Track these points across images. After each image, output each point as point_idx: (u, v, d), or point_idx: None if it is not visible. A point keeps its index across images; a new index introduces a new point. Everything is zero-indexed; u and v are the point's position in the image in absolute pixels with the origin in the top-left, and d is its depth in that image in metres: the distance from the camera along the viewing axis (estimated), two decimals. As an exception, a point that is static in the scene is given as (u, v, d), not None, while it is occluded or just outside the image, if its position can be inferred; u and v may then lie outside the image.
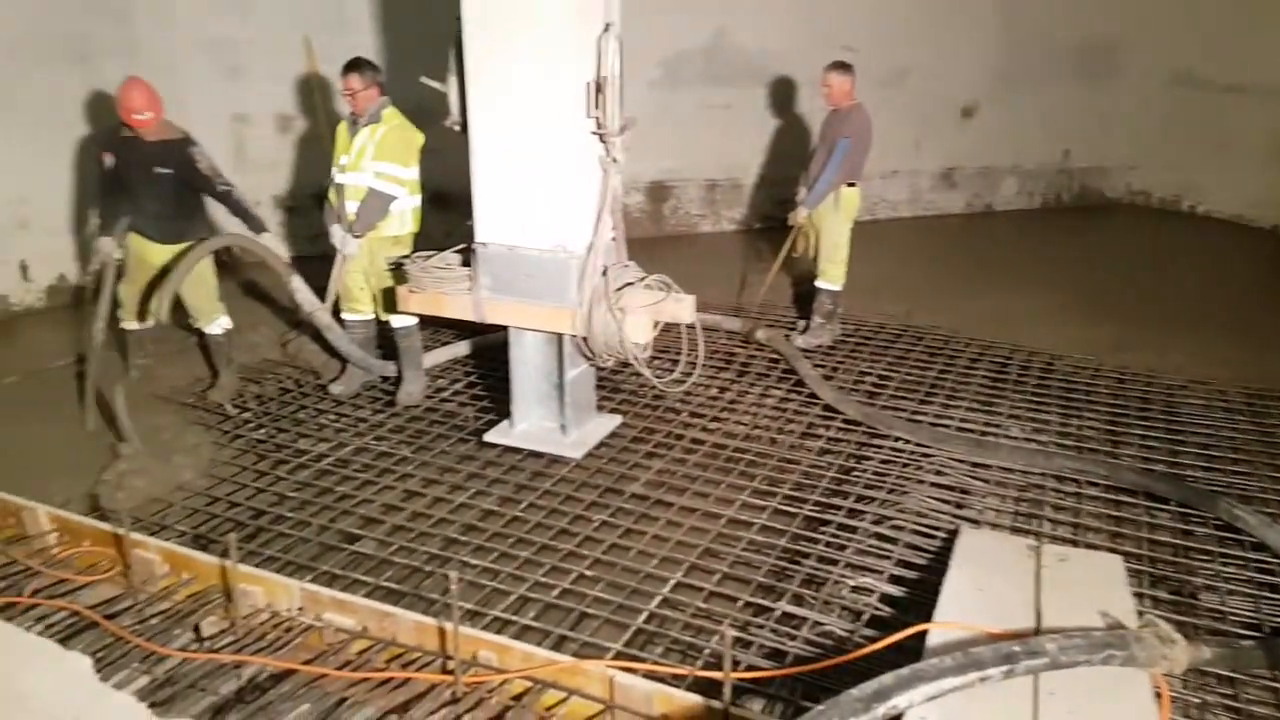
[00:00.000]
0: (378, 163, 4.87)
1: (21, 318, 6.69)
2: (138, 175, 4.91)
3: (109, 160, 4.96)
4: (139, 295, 5.19)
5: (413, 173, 5.00)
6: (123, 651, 2.89)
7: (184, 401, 5.27)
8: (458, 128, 4.51)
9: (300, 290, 5.11)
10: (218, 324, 5.33)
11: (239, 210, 5.04)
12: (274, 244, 5.08)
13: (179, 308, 5.16)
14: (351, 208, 4.97)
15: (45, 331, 6.37)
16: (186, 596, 3.22)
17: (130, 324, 5.26)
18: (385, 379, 5.50)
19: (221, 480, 4.46)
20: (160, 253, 5.06)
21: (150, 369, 5.39)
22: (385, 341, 5.48)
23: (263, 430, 4.97)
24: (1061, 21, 9.99)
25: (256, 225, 5.08)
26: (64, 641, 2.81)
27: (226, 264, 5.64)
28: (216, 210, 5.30)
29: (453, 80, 4.43)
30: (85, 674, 2.21)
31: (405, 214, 5.05)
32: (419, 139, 5.00)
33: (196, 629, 3.12)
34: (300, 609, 3.15)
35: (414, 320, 5.20)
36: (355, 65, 4.90)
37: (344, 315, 5.36)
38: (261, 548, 3.84)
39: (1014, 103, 10.10)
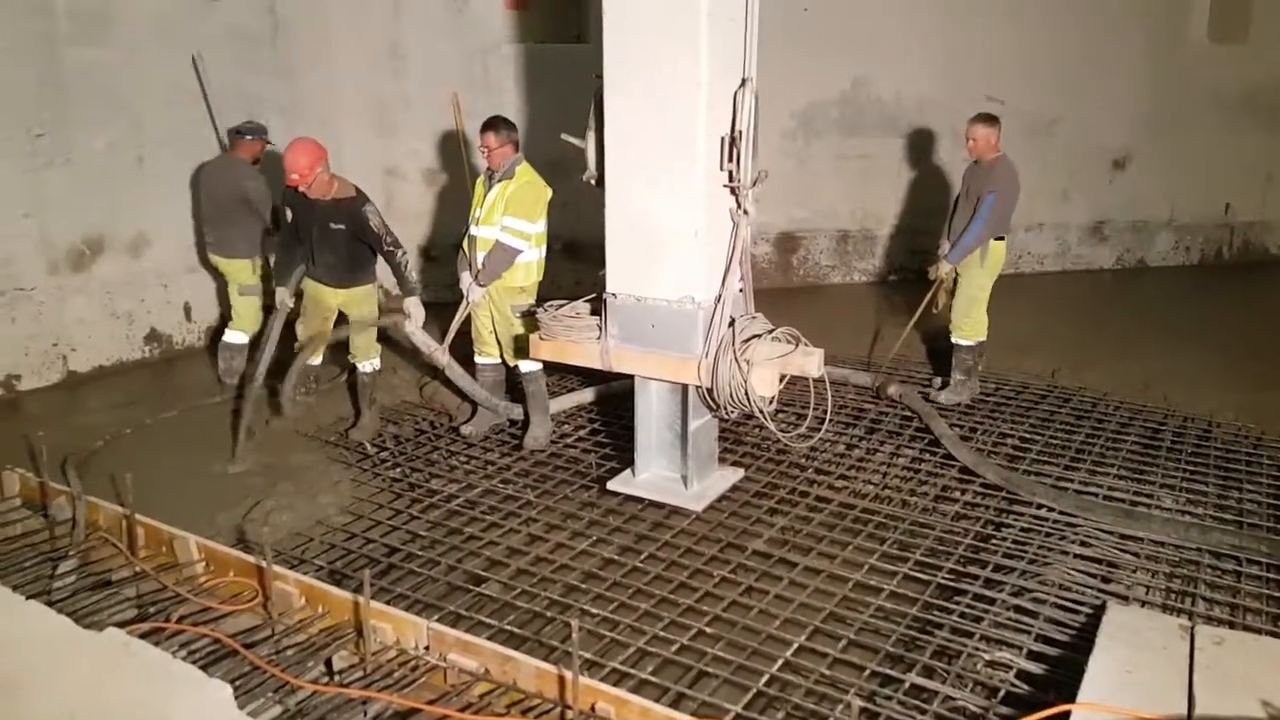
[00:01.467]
0: (507, 217, 5.05)
1: (183, 356, 7.15)
2: (314, 229, 5.24)
3: (289, 214, 5.34)
4: (313, 333, 5.52)
5: (539, 227, 5.16)
6: (259, 680, 2.99)
7: (328, 440, 5.51)
8: (594, 182, 4.62)
9: (417, 333, 5.29)
10: (370, 363, 5.60)
11: (397, 271, 5.26)
12: (417, 309, 5.25)
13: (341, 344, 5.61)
14: (481, 258, 5.15)
15: (204, 370, 6.78)
16: (320, 630, 3.33)
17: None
18: (513, 423, 5.61)
19: (358, 517, 4.62)
20: (333, 295, 5.42)
21: (310, 405, 5.70)
22: (515, 388, 5.61)
23: (398, 470, 5.13)
24: (1220, 70, 9.55)
25: (409, 289, 5.28)
26: (205, 668, 2.93)
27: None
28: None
29: (591, 136, 4.55)
30: (225, 702, 2.29)
31: (530, 265, 5.21)
32: (547, 194, 5.16)
33: (328, 663, 3.22)
34: (427, 648, 3.21)
35: (539, 366, 5.32)
36: (492, 124, 5.11)
37: (476, 360, 5.53)
38: (392, 584, 3.94)
39: (1169, 154, 9.67)
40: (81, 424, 5.68)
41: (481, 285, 5.18)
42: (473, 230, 5.22)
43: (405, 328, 5.28)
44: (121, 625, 2.96)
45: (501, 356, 5.48)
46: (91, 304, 6.65)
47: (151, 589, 3.59)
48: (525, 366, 5.33)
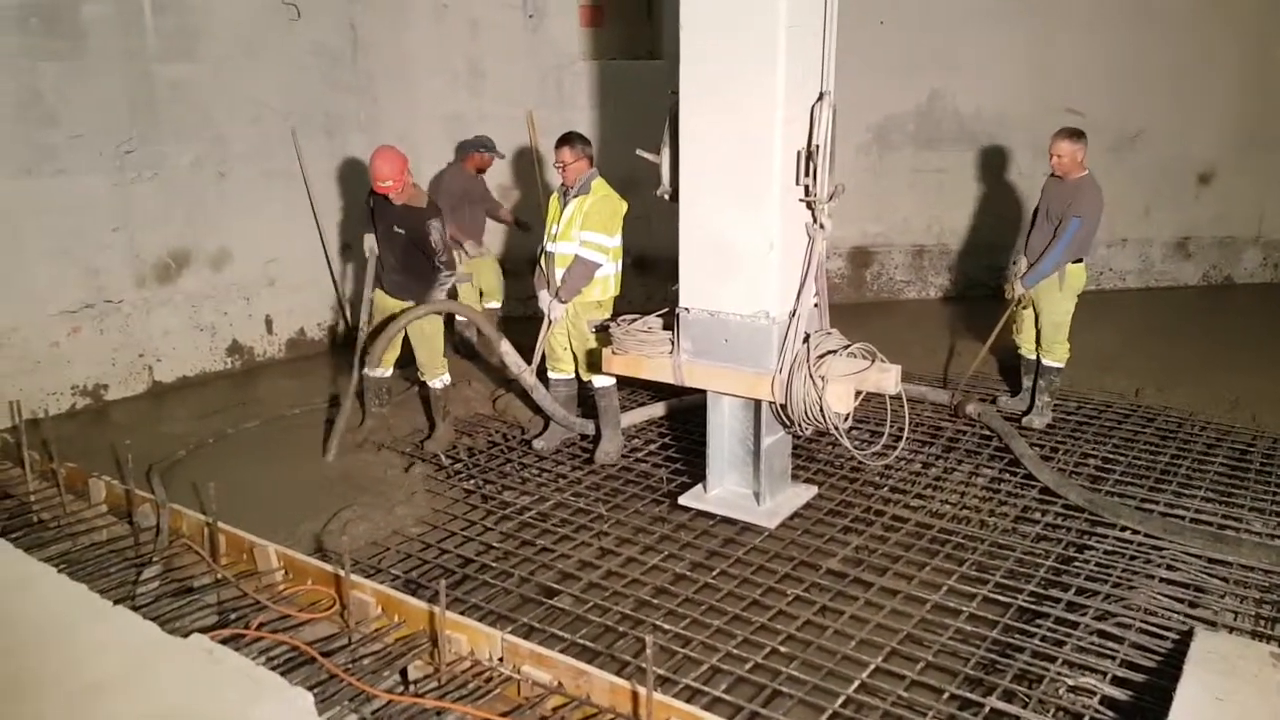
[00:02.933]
0: (584, 232, 5.04)
1: (264, 367, 7.33)
2: (382, 230, 5.43)
3: (370, 206, 5.55)
4: (383, 345, 5.62)
5: (616, 241, 5.16)
6: (335, 689, 3.03)
7: (403, 451, 5.58)
8: (668, 197, 4.62)
9: (509, 354, 5.34)
10: (439, 379, 5.67)
11: (436, 282, 5.36)
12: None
13: (409, 361, 5.70)
14: (559, 274, 5.16)
15: (285, 380, 6.95)
16: (396, 639, 3.36)
17: (373, 371, 5.72)
18: (584, 437, 5.63)
19: (433, 527, 4.67)
20: (394, 305, 5.54)
21: (385, 417, 5.80)
22: (586, 401, 5.62)
23: (472, 481, 5.18)
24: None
25: (431, 298, 5.35)
26: (283, 675, 2.96)
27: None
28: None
29: (665, 152, 4.55)
30: (307, 710, 2.32)
31: (608, 279, 5.22)
32: (623, 208, 5.17)
33: (403, 672, 3.24)
34: (500, 659, 3.21)
35: (612, 381, 5.32)
36: (567, 139, 5.12)
37: (549, 375, 5.56)
38: (466, 595, 3.97)
39: (1257, 168, 9.34)
40: (166, 433, 5.85)
41: (563, 301, 5.18)
42: (549, 247, 5.22)
43: (500, 348, 5.33)
44: (203, 631, 3.02)
45: (576, 371, 5.49)
46: (176, 316, 6.85)
47: (232, 596, 3.66)
48: (599, 381, 5.34)
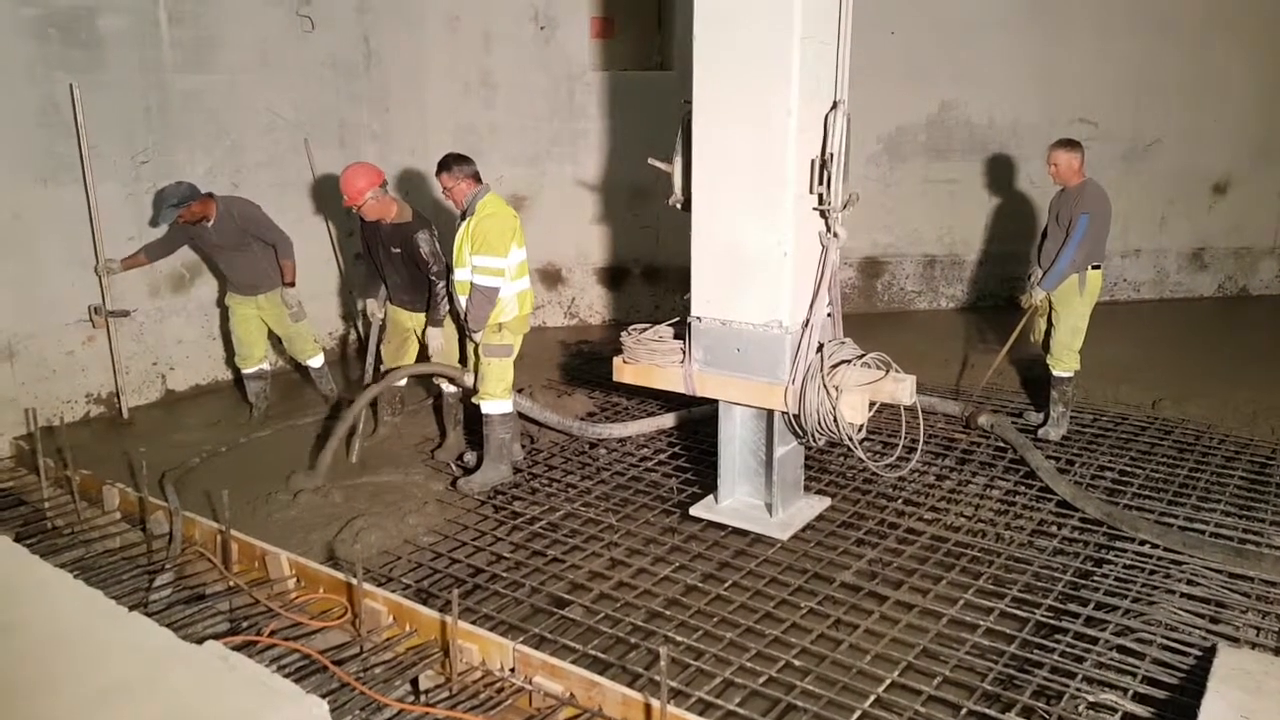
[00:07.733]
0: (475, 256, 4.84)
1: (276, 376, 7.24)
2: (380, 252, 5.43)
3: (362, 230, 5.54)
4: (395, 354, 5.70)
5: (512, 259, 4.92)
6: (347, 698, 3.01)
7: (416, 460, 5.56)
8: (680, 206, 4.60)
9: (467, 376, 5.36)
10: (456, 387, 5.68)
11: (432, 299, 5.31)
12: (435, 342, 5.31)
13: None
14: (463, 302, 5.00)
15: (297, 389, 6.93)
16: (408, 648, 3.34)
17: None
18: (518, 470, 5.41)
19: (445, 537, 4.65)
20: (409, 318, 5.59)
21: (397, 426, 5.81)
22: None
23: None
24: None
25: (434, 319, 5.31)
26: (295, 683, 2.96)
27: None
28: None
29: (678, 160, 4.53)
30: (323, 718, 2.30)
31: (508, 300, 4.99)
32: (513, 223, 4.93)
33: (414, 682, 3.23)
34: (512, 670, 3.19)
35: (504, 410, 5.13)
36: (443, 164, 4.92)
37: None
38: (477, 605, 3.95)
39: (1273, 179, 9.29)
40: (179, 441, 5.85)
41: (474, 331, 4.99)
42: (454, 274, 5.07)
43: (465, 380, 5.34)
44: (215, 638, 3.01)
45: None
46: (189, 325, 6.87)
47: (244, 603, 3.66)
48: (486, 408, 5.12)
